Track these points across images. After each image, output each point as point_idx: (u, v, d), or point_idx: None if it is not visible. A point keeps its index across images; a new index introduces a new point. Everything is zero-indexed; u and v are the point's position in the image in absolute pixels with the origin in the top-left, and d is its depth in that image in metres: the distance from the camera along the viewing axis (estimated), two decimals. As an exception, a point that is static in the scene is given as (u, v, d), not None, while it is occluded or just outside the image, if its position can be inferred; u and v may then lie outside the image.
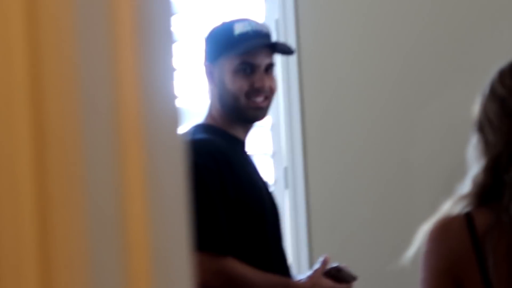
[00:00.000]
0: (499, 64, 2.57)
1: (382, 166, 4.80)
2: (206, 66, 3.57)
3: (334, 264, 3.65)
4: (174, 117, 1.33)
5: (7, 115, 1.20)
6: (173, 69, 1.32)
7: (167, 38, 1.32)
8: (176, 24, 4.76)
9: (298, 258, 4.94)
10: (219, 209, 3.41)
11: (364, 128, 4.86)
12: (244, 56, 3.49)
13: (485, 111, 2.55)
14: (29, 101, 1.21)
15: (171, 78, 1.32)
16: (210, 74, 3.56)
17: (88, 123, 1.22)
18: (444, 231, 2.53)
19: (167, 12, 1.32)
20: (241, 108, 3.51)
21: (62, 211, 1.20)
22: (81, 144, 1.21)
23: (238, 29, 3.50)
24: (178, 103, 1.33)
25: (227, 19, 3.61)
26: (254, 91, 3.49)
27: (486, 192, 2.51)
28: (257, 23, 3.55)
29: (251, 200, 3.51)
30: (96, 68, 1.24)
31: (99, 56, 1.25)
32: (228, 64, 3.52)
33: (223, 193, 3.43)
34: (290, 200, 5.00)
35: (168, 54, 1.31)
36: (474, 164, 2.56)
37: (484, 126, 2.55)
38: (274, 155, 5.04)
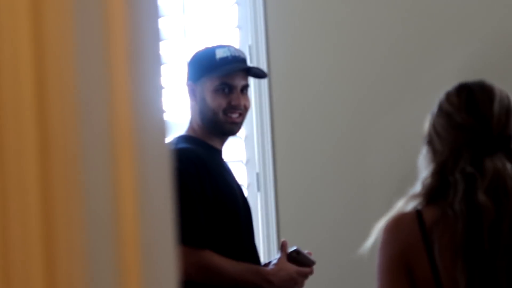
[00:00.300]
0: (445, 87, 2.61)
1: (343, 173, 4.80)
2: (189, 85, 3.58)
3: (293, 248, 3.65)
4: (161, 129, 1.34)
5: (18, 134, 1.20)
6: (161, 87, 1.33)
7: (156, 61, 1.32)
8: (164, 49, 4.75)
9: (269, 251, 4.93)
10: (199, 208, 3.41)
11: (326, 139, 4.86)
12: (224, 77, 3.51)
13: (433, 125, 2.61)
14: (35, 114, 1.21)
15: (159, 95, 1.32)
16: (192, 91, 3.57)
17: (86, 134, 1.22)
18: (398, 224, 2.57)
19: (156, 37, 1.33)
20: (219, 122, 3.53)
21: (63, 210, 1.21)
22: (80, 153, 1.21)
23: (219, 54, 3.53)
24: (165, 117, 1.34)
25: (209, 44, 3.61)
26: (231, 108, 3.51)
27: (433, 192, 2.56)
28: (235, 49, 3.58)
29: (227, 200, 3.51)
30: (93, 87, 1.24)
31: (96, 76, 1.25)
32: (209, 84, 3.53)
33: (203, 194, 3.43)
34: (262, 201, 4.99)
35: (156, 74, 1.32)
36: (424, 170, 2.62)
37: (432, 138, 2.61)
38: (247, 162, 5.04)
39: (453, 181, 2.53)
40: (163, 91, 1.33)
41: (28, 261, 1.21)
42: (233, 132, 3.58)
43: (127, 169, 1.26)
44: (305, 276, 3.57)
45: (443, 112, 2.60)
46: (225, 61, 3.54)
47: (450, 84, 4.21)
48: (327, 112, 4.89)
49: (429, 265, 2.51)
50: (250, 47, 4.92)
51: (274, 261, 3.58)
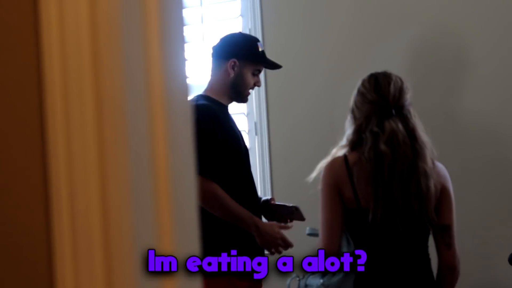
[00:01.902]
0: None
1: (323, 120, 4.80)
2: (232, 60, 3.56)
3: (293, 205, 3.59)
4: (184, 90, 1.34)
5: (80, 90, 1.21)
6: (184, 59, 1.33)
7: (180, 40, 1.31)
8: (186, 31, 4.73)
9: (264, 183, 4.94)
10: (212, 148, 3.42)
11: (310, 93, 4.86)
12: (260, 66, 3.56)
13: (354, 101, 2.99)
14: (92, 77, 1.21)
15: (183, 65, 1.32)
16: (232, 66, 3.57)
17: (129, 93, 1.22)
18: (332, 164, 2.95)
19: (181, 22, 1.32)
20: (243, 94, 3.58)
21: (113, 148, 1.21)
22: (125, 106, 1.21)
23: (260, 47, 3.62)
24: (187, 81, 1.34)
25: (248, 33, 3.77)
26: (253, 87, 3.57)
27: (354, 144, 2.95)
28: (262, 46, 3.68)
29: (232, 143, 3.50)
30: (135, 58, 1.24)
31: (136, 50, 1.25)
32: (250, 67, 3.57)
33: (215, 138, 3.43)
34: (258, 143, 5.00)
35: (181, 50, 1.31)
36: (348, 130, 2.99)
37: (353, 109, 2.98)
38: (248, 114, 5.04)
39: (365, 137, 2.90)
40: (186, 62, 1.33)
41: (88, 183, 1.21)
42: (247, 101, 3.65)
43: (159, 118, 1.26)
44: (287, 245, 3.44)
45: (359, 92, 2.98)
46: (263, 54, 3.63)
47: (395, 59, 4.19)
48: (310, 74, 4.88)
49: (352, 189, 2.90)
50: (250, 30, 4.92)
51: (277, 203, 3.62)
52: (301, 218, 3.55)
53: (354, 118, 2.96)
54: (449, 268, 2.95)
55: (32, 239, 1.24)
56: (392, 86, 2.94)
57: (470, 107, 4.52)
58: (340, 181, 2.92)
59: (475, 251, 4.42)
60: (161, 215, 1.24)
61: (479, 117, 4.51)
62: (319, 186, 2.95)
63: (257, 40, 3.66)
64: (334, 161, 2.95)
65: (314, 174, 3.02)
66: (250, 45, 3.62)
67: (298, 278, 3.11)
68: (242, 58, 3.56)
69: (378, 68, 4.46)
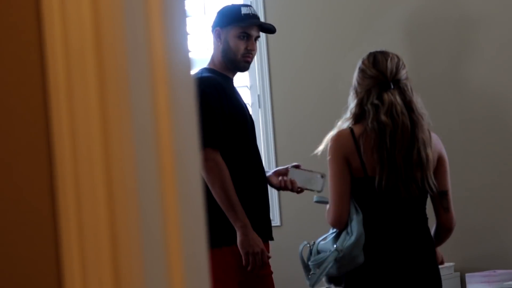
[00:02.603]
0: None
1: (327, 92, 4.81)
2: (216, 30, 3.57)
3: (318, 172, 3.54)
4: (187, 64, 1.34)
5: (83, 67, 1.21)
6: (186, 33, 1.33)
7: (182, 14, 1.32)
8: (188, 5, 4.72)
9: (268, 155, 4.96)
10: (219, 120, 3.43)
11: (313, 68, 4.86)
12: (245, 28, 3.53)
13: (356, 78, 3.23)
14: (95, 52, 1.22)
15: (185, 39, 1.32)
16: (218, 35, 3.56)
17: (132, 67, 1.22)
18: (340, 136, 3.19)
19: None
20: (237, 61, 3.54)
21: (117, 122, 1.21)
22: (128, 80, 1.21)
23: (244, 11, 3.57)
24: (189, 55, 1.34)
25: (234, 2, 3.68)
26: (246, 51, 3.54)
27: (358, 116, 3.20)
28: (254, 10, 3.62)
29: (238, 115, 3.51)
30: (137, 32, 1.24)
31: (139, 24, 1.25)
32: (233, 31, 3.53)
33: (221, 110, 3.45)
34: (262, 115, 5.01)
35: (183, 24, 1.31)
36: (351, 103, 3.22)
37: (355, 85, 3.23)
38: (251, 87, 5.05)
39: (367, 109, 3.15)
40: (188, 36, 1.33)
41: (93, 160, 1.22)
42: (245, 69, 3.61)
43: (163, 93, 1.26)
44: (263, 260, 3.35)
45: (360, 70, 3.22)
46: (247, 16, 3.55)
47: (398, 29, 4.17)
48: (313, 46, 4.88)
49: (359, 159, 3.15)
50: (251, 2, 4.92)
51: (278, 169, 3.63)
52: (318, 187, 3.52)
53: (356, 93, 3.21)
54: (447, 229, 3.29)
55: (36, 218, 1.25)
56: (389, 62, 3.20)
57: (474, 77, 4.52)
58: (348, 151, 3.16)
59: (483, 221, 4.44)
60: (165, 192, 1.25)
61: (483, 88, 4.51)
62: (328, 157, 3.19)
63: (243, 5, 3.62)
64: (341, 133, 3.18)
65: (321, 147, 3.24)
66: (231, 10, 3.60)
67: (309, 245, 3.25)
68: (223, 25, 3.56)
69: (382, 39, 4.47)
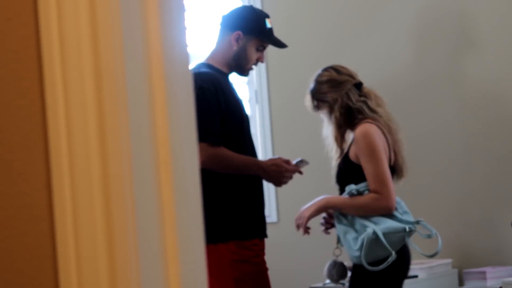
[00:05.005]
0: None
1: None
2: (237, 33, 3.54)
3: (299, 159, 3.59)
4: (184, 58, 1.34)
5: (80, 60, 1.21)
6: (184, 28, 1.33)
7: (180, 8, 1.32)
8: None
9: (265, 150, 4.96)
10: (216, 115, 3.43)
11: (310, 64, 4.86)
12: (265, 43, 3.55)
13: (323, 91, 3.48)
14: (91, 45, 1.21)
15: (183, 34, 1.32)
16: (236, 38, 3.54)
17: (129, 61, 1.22)
18: (375, 130, 3.40)
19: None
20: (244, 68, 3.57)
21: (113, 117, 1.21)
22: (124, 74, 1.21)
23: (268, 24, 3.60)
24: (187, 49, 1.34)
25: (257, 9, 3.76)
26: (256, 62, 3.56)
27: (349, 118, 3.44)
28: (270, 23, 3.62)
29: (235, 111, 3.52)
30: (134, 26, 1.24)
31: (135, 19, 1.25)
32: (254, 42, 3.55)
33: (218, 105, 3.45)
34: (259, 111, 5.02)
35: (181, 18, 1.31)
36: (331, 125, 3.48)
37: (324, 97, 3.48)
38: (248, 83, 5.05)
39: (359, 106, 3.42)
40: (186, 30, 1.33)
41: (89, 155, 1.22)
42: (247, 75, 3.69)
43: (160, 88, 1.26)
44: (292, 172, 3.51)
45: (325, 81, 3.48)
46: (271, 31, 3.61)
47: (399, 24, 4.18)
48: (311, 41, 4.88)
49: (389, 149, 3.42)
50: (249, 1, 4.93)
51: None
52: (306, 163, 3.58)
53: (331, 106, 3.44)
54: None
55: (33, 210, 1.25)
56: (344, 68, 3.50)
57: (473, 72, 4.52)
58: (384, 143, 3.40)
59: (481, 217, 4.44)
60: (162, 188, 1.24)
61: (482, 83, 4.51)
62: (370, 148, 3.36)
63: (267, 16, 3.62)
64: (373, 127, 3.40)
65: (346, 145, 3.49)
66: (258, 20, 3.58)
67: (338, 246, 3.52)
68: (247, 32, 3.54)
69: (380, 36, 4.47)
